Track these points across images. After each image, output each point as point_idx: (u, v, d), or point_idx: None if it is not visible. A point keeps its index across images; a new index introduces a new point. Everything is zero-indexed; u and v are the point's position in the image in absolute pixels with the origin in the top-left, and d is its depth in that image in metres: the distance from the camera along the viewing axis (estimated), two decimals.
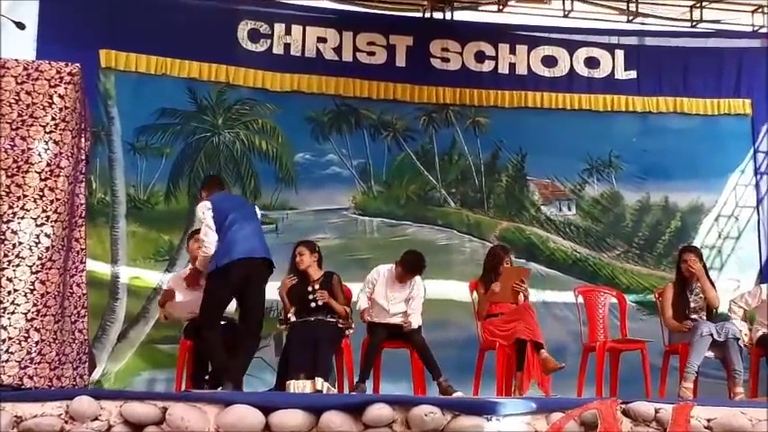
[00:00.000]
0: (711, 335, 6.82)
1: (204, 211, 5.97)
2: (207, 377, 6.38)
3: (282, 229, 8.75)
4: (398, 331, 6.89)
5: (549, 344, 7.86)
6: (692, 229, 9.50)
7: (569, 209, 9.46)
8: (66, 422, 4.46)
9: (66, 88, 5.19)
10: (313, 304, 6.72)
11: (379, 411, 4.59)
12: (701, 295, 7.25)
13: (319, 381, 6.22)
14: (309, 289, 6.78)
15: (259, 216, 6.39)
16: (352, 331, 6.87)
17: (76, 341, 5.48)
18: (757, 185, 9.53)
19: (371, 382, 6.91)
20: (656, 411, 4.84)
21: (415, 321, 6.94)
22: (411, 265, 6.98)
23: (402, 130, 9.19)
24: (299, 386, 6.19)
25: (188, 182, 8.62)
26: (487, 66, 9.32)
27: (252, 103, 8.84)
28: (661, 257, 9.38)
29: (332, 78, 8.98)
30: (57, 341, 5.17)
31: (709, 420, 4.91)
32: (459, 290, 7.96)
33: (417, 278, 7.10)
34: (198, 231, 6.21)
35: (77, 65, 5.30)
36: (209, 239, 5.91)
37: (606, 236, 9.44)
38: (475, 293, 7.31)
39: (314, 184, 8.95)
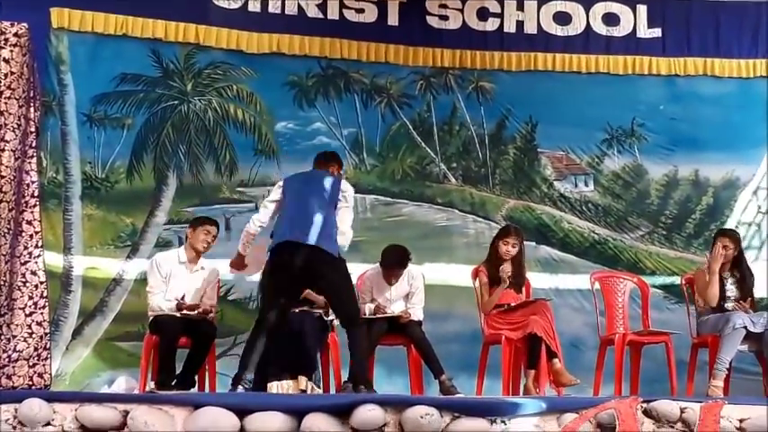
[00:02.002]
0: (745, 327, 6.92)
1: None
2: (176, 376, 6.46)
3: None
4: (395, 324, 6.97)
5: (563, 337, 7.97)
6: (725, 207, 9.53)
7: (586, 184, 9.49)
8: (14, 428, 4.51)
9: (11, 51, 5.25)
10: None
11: (369, 413, 4.67)
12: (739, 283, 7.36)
13: (303, 380, 6.31)
14: None
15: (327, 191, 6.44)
16: (338, 322, 6.89)
17: (34, 336, 5.53)
18: None
19: None
20: (682, 411, 4.96)
21: (417, 315, 7.03)
22: (392, 263, 7.11)
23: (397, 95, 9.22)
24: (282, 386, 6.27)
25: (153, 156, 8.64)
26: (492, 24, 9.28)
27: (225, 66, 8.85)
28: (691, 238, 9.41)
29: (316, 39, 8.97)
30: (2, 337, 5.22)
31: (741, 421, 5.03)
32: (461, 276, 8.02)
33: (414, 270, 7.19)
34: None
35: (24, 24, 5.32)
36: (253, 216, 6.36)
37: (628, 215, 9.47)
38: (477, 281, 7.39)
39: (299, 157, 8.79)
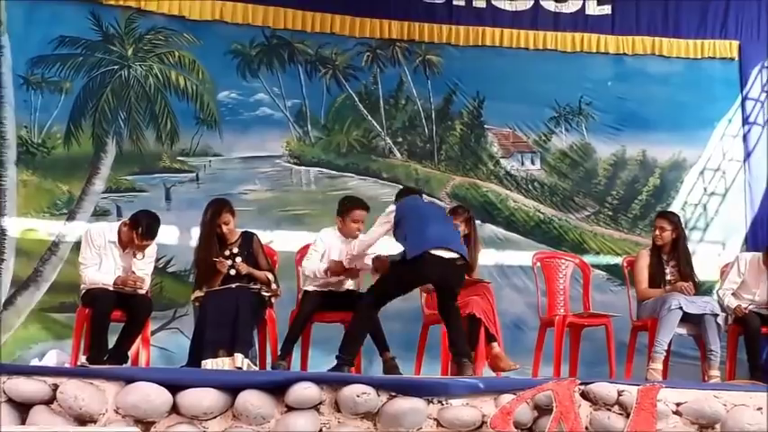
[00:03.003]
0: (681, 308, 7.01)
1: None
2: (109, 351, 6.45)
3: (204, 179, 8.82)
4: (339, 299, 6.96)
5: (506, 317, 8.14)
6: (672, 188, 9.71)
7: (533, 163, 9.59)
8: None
9: None
10: (233, 271, 6.76)
11: (304, 391, 4.73)
12: (678, 267, 7.48)
13: (239, 357, 6.28)
14: (227, 253, 6.82)
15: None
16: (276, 298, 6.92)
17: None
18: (745, 138, 9.74)
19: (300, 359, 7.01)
20: (619, 394, 5.10)
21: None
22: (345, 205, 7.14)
23: (343, 67, 9.24)
24: (216, 364, 6.24)
25: (92, 122, 8.60)
26: None
27: (167, 32, 8.82)
28: (636, 220, 9.57)
29: (260, 7, 8.98)
30: None
31: (678, 404, 5.19)
32: None
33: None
34: None
35: None
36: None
37: (574, 194, 9.61)
38: None
39: (241, 128, 8.98)
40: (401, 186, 9.10)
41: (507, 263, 9.21)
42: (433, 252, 6.14)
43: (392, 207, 6.49)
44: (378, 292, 6.43)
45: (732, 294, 7.44)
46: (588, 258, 9.10)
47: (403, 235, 6.31)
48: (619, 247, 9.46)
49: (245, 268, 6.76)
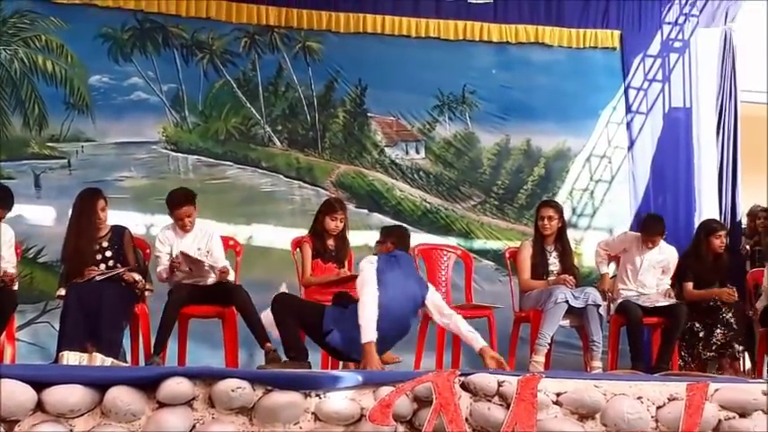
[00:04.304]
0: (567, 301, 7.24)
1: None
2: None
3: (77, 165, 8.76)
4: (208, 292, 6.98)
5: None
6: (557, 178, 9.97)
7: (417, 152, 9.73)
8: None
9: None
10: (103, 265, 6.74)
11: (176, 386, 4.73)
12: (561, 257, 7.73)
13: (98, 357, 6.20)
14: (97, 247, 6.79)
15: None
16: (149, 294, 6.96)
17: None
18: (629, 126, 10.08)
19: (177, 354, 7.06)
20: (500, 384, 5.16)
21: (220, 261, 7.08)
22: (170, 203, 7.14)
23: (220, 52, 9.25)
24: (72, 358, 6.15)
25: None
26: None
27: (33, 16, 8.72)
28: (522, 209, 9.78)
29: None
30: None
31: (558, 394, 5.29)
32: (286, 246, 8.02)
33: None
34: None
35: None
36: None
37: (460, 184, 9.78)
38: (300, 252, 7.49)
39: (115, 113, 8.92)
40: (281, 176, 9.30)
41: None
42: None
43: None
44: None
45: (621, 283, 7.81)
46: (476, 248, 9.45)
47: None
48: (506, 237, 9.66)
49: (130, 277, 6.73)
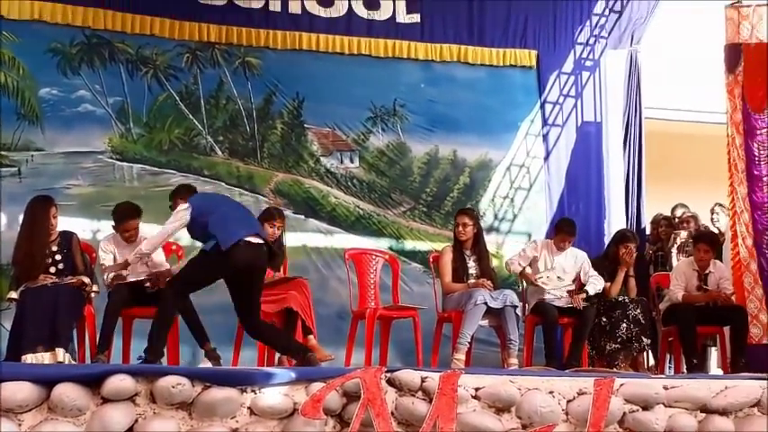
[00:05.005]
0: (486, 303, 7.36)
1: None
2: None
3: (27, 173, 8.70)
4: (147, 293, 7.00)
5: (332, 308, 8.53)
6: (480, 186, 10.09)
7: (351, 161, 9.80)
8: None
9: None
10: (53, 269, 6.76)
11: (119, 383, 4.77)
12: (479, 261, 7.85)
13: (60, 351, 6.29)
14: (47, 251, 6.79)
15: None
16: (95, 295, 6.97)
17: None
18: (545, 138, 10.25)
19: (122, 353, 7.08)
20: (423, 380, 5.25)
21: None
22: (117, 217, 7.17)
23: (164, 67, 9.24)
24: (37, 359, 6.20)
25: None
26: (257, 2, 9.49)
27: None
28: (449, 216, 9.80)
29: (79, 8, 8.91)
30: None
31: (477, 389, 5.39)
32: None
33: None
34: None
35: None
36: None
37: (392, 191, 9.86)
38: None
39: (63, 124, 8.88)
40: (223, 183, 9.34)
41: (330, 257, 9.40)
42: (248, 239, 6.20)
43: (185, 204, 6.40)
44: (184, 283, 6.42)
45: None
46: (406, 251, 9.59)
47: (206, 227, 6.26)
48: (433, 242, 9.74)
49: (78, 281, 6.76)
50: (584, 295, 7.84)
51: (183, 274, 6.47)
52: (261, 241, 6.30)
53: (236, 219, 6.32)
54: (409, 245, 9.80)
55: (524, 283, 8.21)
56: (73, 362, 6.42)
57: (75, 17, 8.90)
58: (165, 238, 6.54)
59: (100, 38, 9.02)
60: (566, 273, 7.99)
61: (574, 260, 8.07)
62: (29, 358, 6.21)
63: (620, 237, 8.37)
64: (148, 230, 7.34)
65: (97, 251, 7.22)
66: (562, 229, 8.09)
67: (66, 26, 8.89)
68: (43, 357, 6.24)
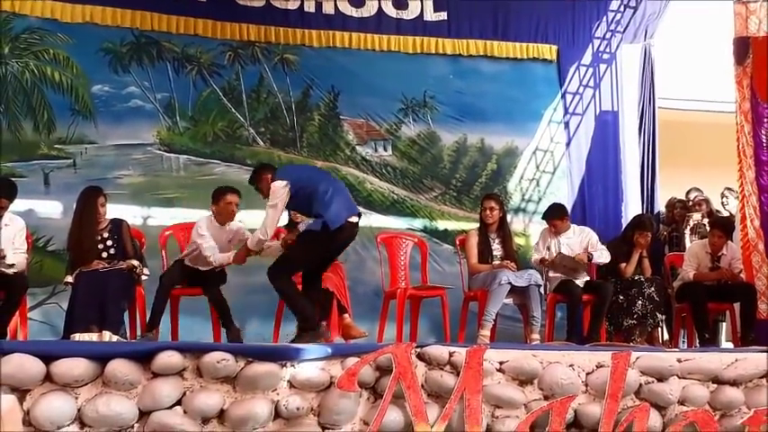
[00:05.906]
0: (510, 283, 7.36)
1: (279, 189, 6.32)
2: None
3: (81, 165, 8.78)
4: (198, 275, 7.08)
5: (368, 287, 8.57)
6: (507, 172, 10.10)
7: (385, 149, 9.82)
8: None
9: None
10: (104, 254, 6.81)
11: (168, 359, 4.83)
12: (503, 243, 7.83)
13: (107, 334, 6.31)
14: (98, 238, 6.86)
15: None
16: (146, 278, 7.02)
17: None
18: (567, 125, 10.25)
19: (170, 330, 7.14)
20: (450, 355, 5.29)
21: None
22: (218, 192, 7.27)
23: (207, 65, 9.30)
24: (83, 339, 6.23)
25: None
26: (293, 4, 9.55)
27: (42, 32, 8.74)
28: (477, 200, 9.63)
29: (128, 11, 8.99)
30: None
31: (501, 363, 5.42)
32: None
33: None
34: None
35: None
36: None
37: (423, 177, 9.88)
38: (280, 241, 7.53)
39: (115, 118, 8.95)
40: None
41: (367, 238, 9.25)
42: (350, 220, 6.31)
43: (283, 182, 6.39)
44: (290, 264, 6.43)
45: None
46: (438, 233, 9.65)
47: (309, 201, 6.31)
48: (463, 224, 9.72)
49: (129, 264, 6.78)
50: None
51: (292, 255, 6.48)
52: (358, 220, 6.42)
53: (340, 198, 6.38)
54: (441, 227, 9.83)
55: None
56: (122, 341, 6.46)
57: (125, 19, 8.99)
58: (278, 219, 6.59)
59: (148, 38, 9.10)
60: (573, 252, 7.92)
61: (580, 237, 8.03)
62: (77, 337, 6.26)
63: (638, 223, 8.32)
64: (196, 215, 7.49)
65: (147, 234, 7.26)
66: (547, 215, 8.13)
67: (117, 27, 8.97)
68: (91, 338, 6.27)
